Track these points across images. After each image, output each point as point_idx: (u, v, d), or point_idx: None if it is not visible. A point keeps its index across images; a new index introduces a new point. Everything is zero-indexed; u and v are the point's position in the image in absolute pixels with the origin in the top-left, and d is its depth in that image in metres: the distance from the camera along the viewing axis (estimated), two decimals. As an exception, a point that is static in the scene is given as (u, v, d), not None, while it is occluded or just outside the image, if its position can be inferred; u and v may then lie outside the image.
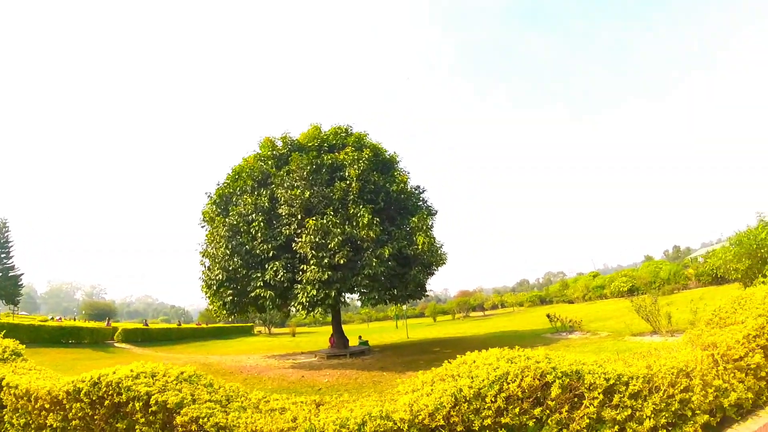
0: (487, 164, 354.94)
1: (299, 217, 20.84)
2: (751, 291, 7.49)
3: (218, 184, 25.12)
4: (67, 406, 5.58)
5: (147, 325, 53.64)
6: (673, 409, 4.81)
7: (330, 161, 22.78)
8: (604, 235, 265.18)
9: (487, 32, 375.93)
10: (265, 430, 4.41)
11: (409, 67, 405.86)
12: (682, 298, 31.61)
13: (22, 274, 61.34)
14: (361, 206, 20.76)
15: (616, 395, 4.63)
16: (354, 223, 20.56)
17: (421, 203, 25.71)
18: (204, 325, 61.56)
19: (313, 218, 20.06)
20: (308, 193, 20.79)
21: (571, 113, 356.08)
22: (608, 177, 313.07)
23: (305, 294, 19.72)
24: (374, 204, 21.67)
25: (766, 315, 6.31)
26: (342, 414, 4.45)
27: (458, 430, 4.29)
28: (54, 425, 5.77)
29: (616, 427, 4.47)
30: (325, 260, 19.60)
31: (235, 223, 21.79)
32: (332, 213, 20.51)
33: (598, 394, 4.52)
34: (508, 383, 4.41)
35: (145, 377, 5.31)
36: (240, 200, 22.95)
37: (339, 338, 25.78)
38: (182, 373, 5.55)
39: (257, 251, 21.28)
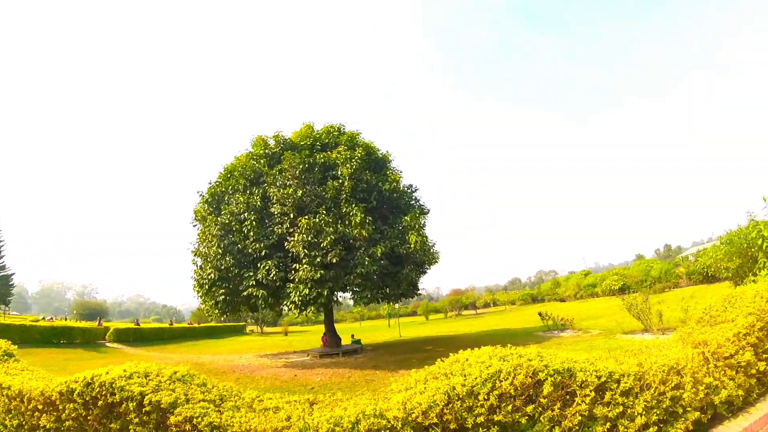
0: (484, 164, 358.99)
1: (291, 216, 20.79)
2: (742, 290, 7.56)
3: (210, 183, 24.94)
4: (61, 407, 5.54)
5: (138, 324, 53.27)
6: (664, 406, 4.84)
7: (322, 160, 22.72)
8: (596, 234, 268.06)
9: (488, 32, 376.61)
10: (259, 430, 4.39)
11: (409, 67, 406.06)
12: (673, 296, 31.89)
13: (13, 273, 60.88)
14: (353, 205, 20.73)
15: (607, 393, 4.65)
16: (346, 222, 20.54)
17: (413, 202, 25.70)
18: (196, 325, 61.33)
19: (306, 217, 20.02)
20: (301, 191, 20.74)
21: (566, 114, 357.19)
22: (600, 177, 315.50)
23: (298, 293, 19.68)
24: (367, 203, 21.65)
25: (756, 313, 6.37)
26: (336, 412, 4.43)
27: (451, 428, 4.29)
28: (47, 426, 5.71)
29: (608, 424, 4.50)
30: (318, 259, 19.58)
31: (227, 222, 21.68)
32: (325, 212, 20.47)
33: (590, 391, 4.54)
34: (501, 381, 4.41)
35: (139, 377, 5.27)
36: (232, 199, 22.86)
37: (331, 337, 25.76)
38: (175, 372, 5.50)
39: (249, 250, 21.20)
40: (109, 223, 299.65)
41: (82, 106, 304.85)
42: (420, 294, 27.64)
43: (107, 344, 36.90)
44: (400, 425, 4.16)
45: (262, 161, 24.11)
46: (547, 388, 4.44)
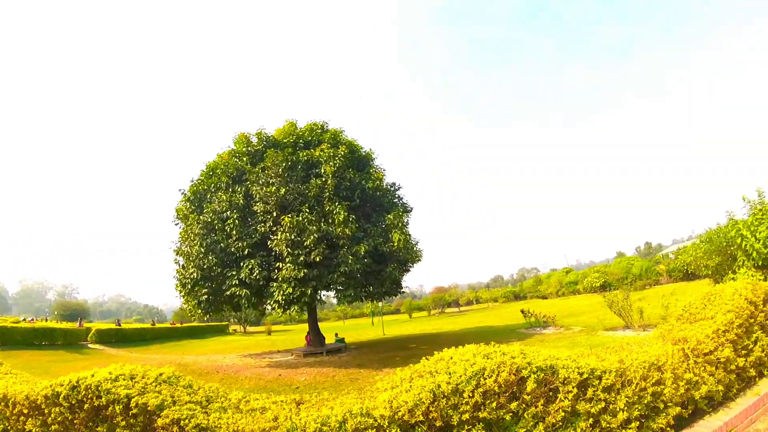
0: (476, 165, 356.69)
1: (274, 214, 20.63)
2: (721, 287, 7.74)
3: (192, 181, 24.53)
4: (46, 411, 5.47)
5: (120, 325, 52.45)
6: (645, 401, 4.93)
7: (305, 158, 22.56)
8: (577, 232, 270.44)
9: (488, 32, 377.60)
10: (247, 430, 4.38)
11: (410, 67, 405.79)
12: (654, 293, 32.40)
13: (-9, 274, 59.57)
14: (336, 203, 20.65)
15: (590, 389, 4.72)
16: (330, 221, 20.45)
17: (396, 200, 25.68)
18: (178, 325, 60.57)
19: (289, 215, 19.88)
20: (284, 190, 20.59)
21: (563, 116, 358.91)
22: (581, 177, 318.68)
23: (281, 292, 19.55)
24: (350, 201, 21.57)
25: (734, 311, 6.53)
26: (323, 412, 4.43)
27: (437, 425, 4.31)
28: (33, 430, 5.64)
29: (591, 419, 4.56)
30: (301, 258, 19.48)
31: (209, 220, 21.42)
32: (308, 210, 20.35)
33: (573, 388, 4.60)
34: (485, 379, 4.45)
35: (125, 379, 5.25)
36: (214, 197, 22.56)
37: (315, 336, 25.66)
38: (161, 374, 5.50)
39: (232, 249, 20.99)
40: (90, 222, 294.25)
41: (57, 103, 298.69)
42: (403, 292, 27.69)
43: (89, 345, 36.25)
44: (386, 424, 4.18)
45: (244, 159, 23.85)
46: (530, 385, 4.49)
